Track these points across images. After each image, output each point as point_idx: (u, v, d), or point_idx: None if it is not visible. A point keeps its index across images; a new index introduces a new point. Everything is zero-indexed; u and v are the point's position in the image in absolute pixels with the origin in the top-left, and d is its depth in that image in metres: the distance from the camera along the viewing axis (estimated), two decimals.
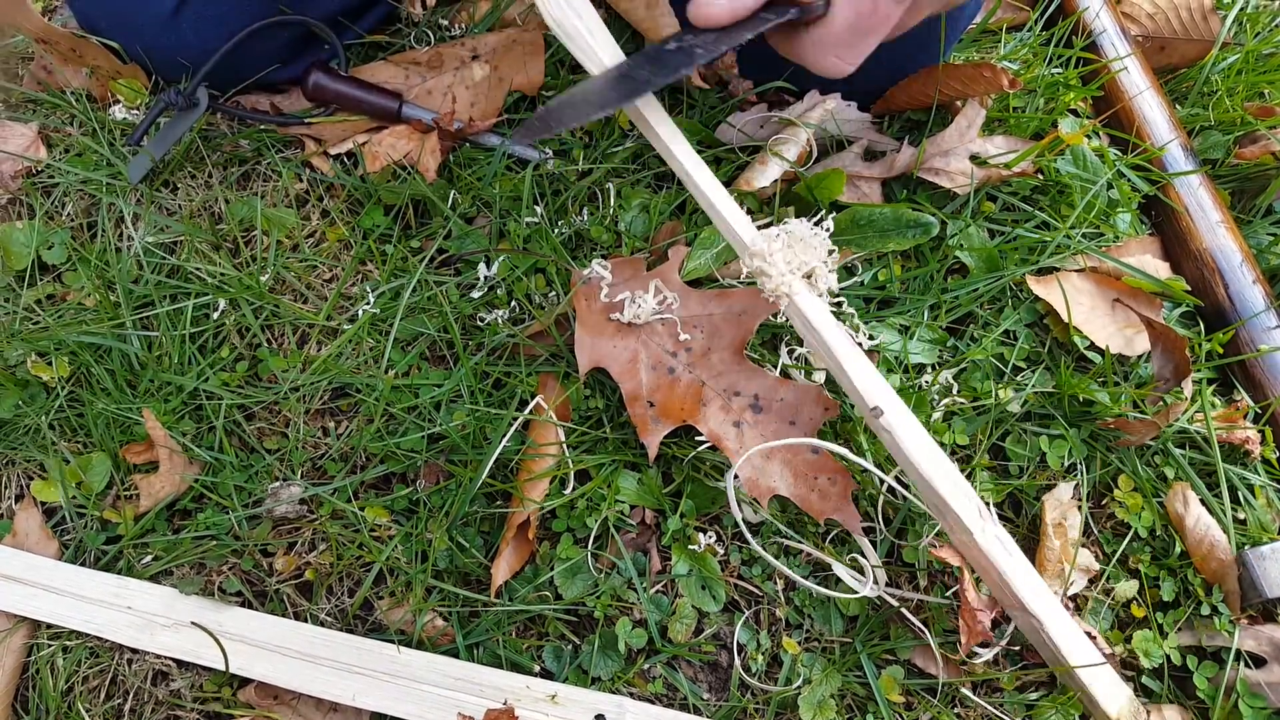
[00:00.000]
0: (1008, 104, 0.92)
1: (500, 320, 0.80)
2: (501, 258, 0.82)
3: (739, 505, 0.73)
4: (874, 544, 0.73)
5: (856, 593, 0.69)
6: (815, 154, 0.84)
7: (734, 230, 0.65)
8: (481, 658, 0.71)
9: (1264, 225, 0.89)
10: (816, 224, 0.65)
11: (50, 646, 0.71)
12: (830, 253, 0.65)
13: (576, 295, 0.77)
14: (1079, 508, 0.74)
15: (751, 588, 0.73)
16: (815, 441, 0.67)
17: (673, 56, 0.57)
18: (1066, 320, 0.80)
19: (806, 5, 0.54)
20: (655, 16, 0.87)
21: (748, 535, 0.69)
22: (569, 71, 0.92)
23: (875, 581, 0.70)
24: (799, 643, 0.71)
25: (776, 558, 0.73)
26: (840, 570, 0.71)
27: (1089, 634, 0.70)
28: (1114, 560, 0.74)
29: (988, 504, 0.66)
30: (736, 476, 0.70)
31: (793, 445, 0.71)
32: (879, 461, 0.73)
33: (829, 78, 0.62)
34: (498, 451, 0.72)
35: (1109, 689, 0.66)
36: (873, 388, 0.64)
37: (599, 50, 0.64)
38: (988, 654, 0.69)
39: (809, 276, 0.64)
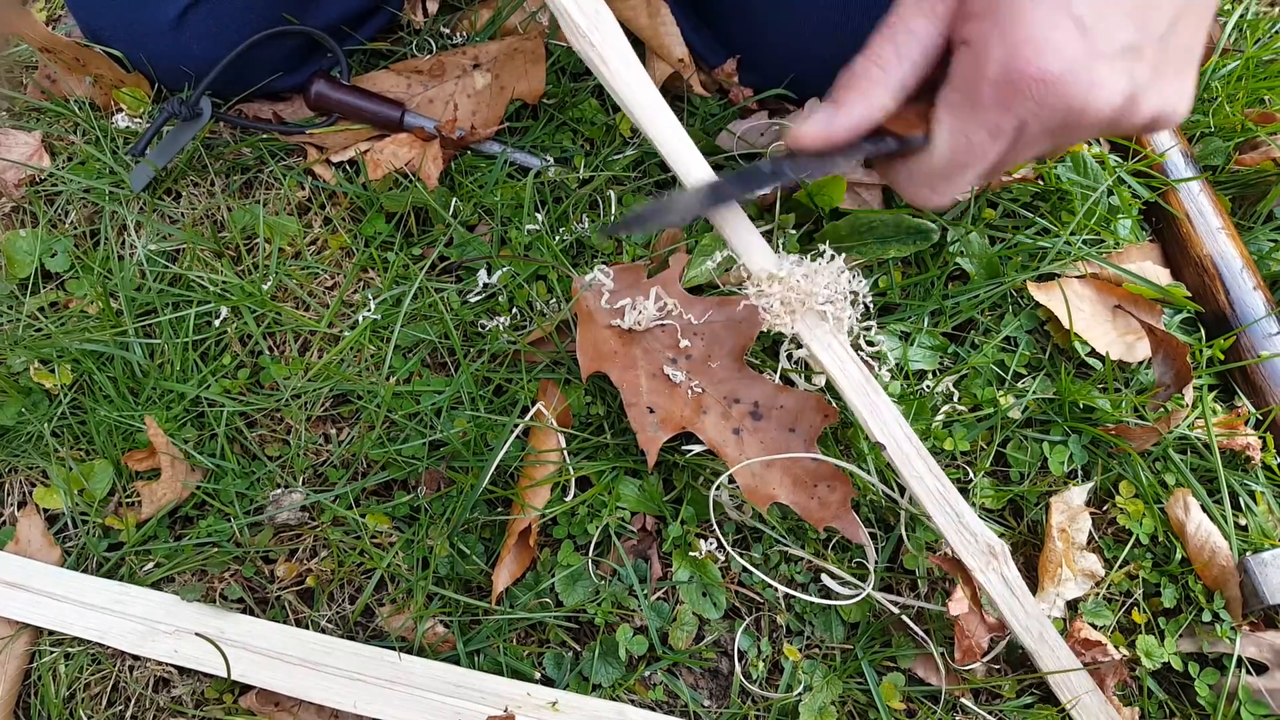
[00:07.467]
0: None
1: (501, 327, 0.81)
2: (503, 265, 0.82)
3: (732, 511, 0.73)
4: (875, 550, 0.73)
5: (846, 599, 0.69)
6: None
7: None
8: (482, 664, 0.71)
9: (1264, 231, 0.89)
10: (830, 259, 0.64)
11: (52, 653, 0.72)
12: (851, 292, 0.64)
13: (578, 302, 0.77)
14: (1087, 513, 0.74)
15: (752, 594, 0.73)
16: (814, 455, 0.67)
17: (760, 175, 0.60)
18: (1067, 326, 0.80)
19: (906, 139, 0.55)
20: (657, 26, 0.87)
21: (732, 554, 0.69)
22: (570, 80, 0.92)
23: (862, 584, 0.70)
24: (800, 649, 0.71)
25: (778, 565, 0.73)
26: (828, 578, 0.71)
27: (1097, 642, 0.69)
28: (1116, 567, 0.74)
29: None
30: (732, 480, 0.70)
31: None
32: (880, 470, 0.73)
33: (922, 208, 0.61)
34: (499, 458, 0.72)
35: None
36: (878, 425, 0.63)
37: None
38: (985, 658, 0.69)
39: (825, 307, 0.63)
